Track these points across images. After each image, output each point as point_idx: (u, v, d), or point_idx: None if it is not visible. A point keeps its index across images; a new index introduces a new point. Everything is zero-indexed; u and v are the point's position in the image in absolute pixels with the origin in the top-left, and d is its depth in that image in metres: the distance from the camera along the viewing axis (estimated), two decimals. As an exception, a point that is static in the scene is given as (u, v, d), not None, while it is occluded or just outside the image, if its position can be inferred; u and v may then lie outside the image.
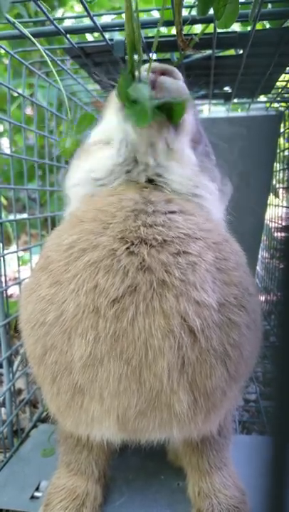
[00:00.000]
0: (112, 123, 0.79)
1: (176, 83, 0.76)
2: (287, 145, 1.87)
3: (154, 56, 0.96)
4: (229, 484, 0.89)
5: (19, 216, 1.35)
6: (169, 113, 0.74)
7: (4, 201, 2.54)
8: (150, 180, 0.78)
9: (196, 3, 0.79)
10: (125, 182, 0.78)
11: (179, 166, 0.78)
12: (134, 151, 0.76)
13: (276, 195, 2.02)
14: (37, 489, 0.99)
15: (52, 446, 1.12)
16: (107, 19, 1.42)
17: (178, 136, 0.77)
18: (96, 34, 1.54)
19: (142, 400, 0.64)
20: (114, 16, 1.65)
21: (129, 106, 0.71)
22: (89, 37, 1.73)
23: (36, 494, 0.97)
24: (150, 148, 0.75)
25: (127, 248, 0.66)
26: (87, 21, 1.05)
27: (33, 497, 0.96)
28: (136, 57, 0.74)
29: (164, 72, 0.77)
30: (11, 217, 1.29)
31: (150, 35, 1.16)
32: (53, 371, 0.68)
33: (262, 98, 1.80)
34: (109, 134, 0.80)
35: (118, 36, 1.14)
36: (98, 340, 0.63)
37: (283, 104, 1.81)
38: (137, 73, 0.74)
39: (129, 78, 0.73)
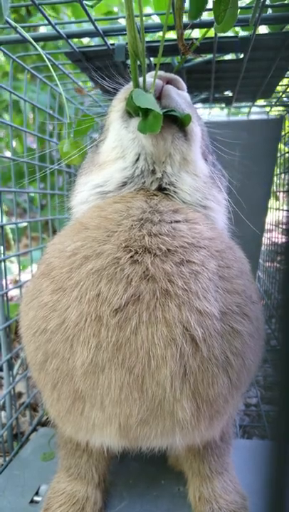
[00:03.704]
0: (121, 136, 0.78)
1: (181, 94, 0.77)
2: (287, 149, 1.87)
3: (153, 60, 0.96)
4: (230, 489, 0.88)
5: (20, 220, 1.35)
6: (176, 122, 0.75)
7: (5, 208, 2.54)
8: (161, 189, 0.78)
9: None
10: (135, 190, 0.78)
11: (191, 177, 0.79)
12: (153, 163, 0.76)
13: (276, 199, 2.03)
14: (36, 493, 0.98)
15: (52, 450, 1.12)
16: (103, 23, 1.42)
17: (190, 145, 0.78)
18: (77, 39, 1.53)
19: (144, 408, 0.64)
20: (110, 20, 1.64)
21: (143, 117, 0.71)
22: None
23: (36, 498, 0.96)
24: (169, 158, 0.76)
25: (131, 257, 0.66)
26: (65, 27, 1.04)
27: (32, 501, 0.96)
28: (140, 64, 0.74)
29: (169, 81, 0.77)
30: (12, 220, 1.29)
31: (149, 39, 1.17)
32: (53, 378, 0.68)
33: (262, 102, 1.80)
34: (121, 148, 0.79)
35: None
36: (100, 348, 0.63)
37: (283, 108, 1.82)
38: (141, 80, 0.74)
39: (136, 89, 0.73)
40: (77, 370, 0.65)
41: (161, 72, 0.77)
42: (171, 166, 0.77)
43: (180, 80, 0.79)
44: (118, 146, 0.79)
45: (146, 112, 0.70)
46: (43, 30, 1.45)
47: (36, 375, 0.74)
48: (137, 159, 0.77)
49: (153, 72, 0.74)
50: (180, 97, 0.77)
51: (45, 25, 1.10)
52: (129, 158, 0.77)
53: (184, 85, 0.80)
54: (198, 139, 0.81)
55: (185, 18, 0.84)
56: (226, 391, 0.68)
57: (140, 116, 0.72)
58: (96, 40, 1.57)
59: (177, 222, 0.71)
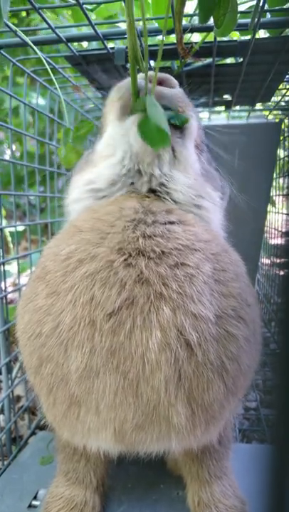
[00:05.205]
0: (114, 135, 0.78)
1: (172, 92, 0.77)
2: (286, 153, 1.87)
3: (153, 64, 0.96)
4: (229, 494, 0.87)
5: (19, 223, 1.35)
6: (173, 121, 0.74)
7: (4, 212, 2.55)
8: (152, 191, 0.77)
9: (197, 11, 0.80)
10: (126, 192, 0.77)
11: (183, 175, 0.77)
12: (138, 163, 0.75)
13: (273, 204, 2.03)
14: (35, 498, 0.97)
15: (50, 454, 1.11)
16: (102, 27, 1.42)
17: (184, 141, 0.77)
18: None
19: (139, 413, 0.63)
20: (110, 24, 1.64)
21: (144, 123, 0.69)
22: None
23: (34, 503, 0.96)
24: (156, 159, 0.75)
25: (125, 260, 0.65)
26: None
27: (30, 506, 0.95)
28: (140, 67, 0.74)
29: (160, 82, 0.77)
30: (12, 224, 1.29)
31: (149, 43, 1.17)
32: (49, 382, 0.68)
33: (261, 106, 1.81)
34: (113, 147, 0.78)
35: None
36: (94, 353, 0.63)
37: (278, 111, 1.82)
38: (141, 83, 0.73)
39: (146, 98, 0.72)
40: (72, 375, 0.64)
41: (151, 73, 0.76)
42: (160, 167, 0.75)
43: (170, 77, 0.78)
44: (111, 144, 0.79)
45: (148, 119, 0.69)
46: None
47: (32, 379, 0.73)
48: (125, 157, 0.76)
49: (144, 75, 0.74)
50: (173, 96, 0.76)
51: (45, 29, 1.10)
52: (118, 155, 0.77)
53: (175, 82, 0.79)
54: (193, 133, 0.80)
55: (184, 22, 0.85)
56: (222, 396, 0.67)
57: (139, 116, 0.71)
58: (93, 44, 1.57)
59: (171, 223, 0.71)
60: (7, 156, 2.28)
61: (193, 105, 0.84)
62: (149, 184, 0.76)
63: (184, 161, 0.78)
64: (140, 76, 0.75)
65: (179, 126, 0.76)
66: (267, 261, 2.32)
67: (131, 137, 0.73)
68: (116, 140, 0.77)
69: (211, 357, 0.64)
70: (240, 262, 0.79)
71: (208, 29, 0.95)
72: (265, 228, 2.05)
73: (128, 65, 1.13)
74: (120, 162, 0.76)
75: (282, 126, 1.79)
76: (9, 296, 1.23)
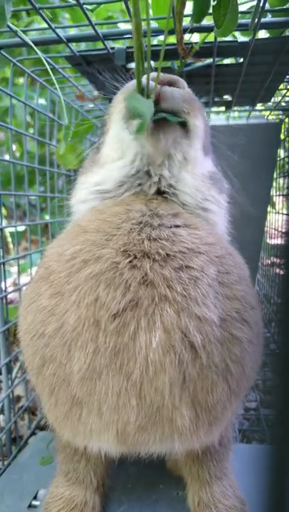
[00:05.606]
0: (122, 136, 0.76)
1: (181, 92, 0.76)
2: (286, 153, 1.88)
3: (153, 64, 0.96)
4: (229, 494, 0.88)
5: (20, 223, 1.35)
6: (180, 121, 0.74)
7: (4, 211, 2.55)
8: (160, 192, 0.77)
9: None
10: (134, 193, 0.77)
11: (191, 177, 0.77)
12: (148, 164, 0.75)
13: (273, 206, 2.04)
14: (35, 498, 0.97)
15: (50, 454, 1.11)
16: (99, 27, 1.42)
17: (191, 144, 0.77)
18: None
19: (142, 415, 0.63)
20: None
21: (133, 116, 0.70)
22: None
23: (34, 503, 0.96)
24: (167, 160, 0.75)
25: (130, 262, 0.65)
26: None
27: (30, 506, 0.95)
28: (142, 67, 0.74)
29: (169, 83, 0.76)
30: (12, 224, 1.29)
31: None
32: (51, 383, 0.68)
33: (261, 106, 1.81)
34: (121, 148, 0.77)
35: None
36: (98, 354, 0.63)
37: (278, 112, 1.82)
38: (144, 82, 0.73)
39: (135, 94, 0.72)
40: (74, 376, 0.64)
41: (160, 74, 0.76)
42: (170, 168, 0.75)
43: (179, 79, 0.78)
44: (119, 148, 0.78)
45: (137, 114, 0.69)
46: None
47: (34, 379, 0.73)
48: (136, 159, 0.75)
49: (152, 75, 0.74)
50: (179, 96, 0.75)
51: (45, 29, 1.10)
52: (128, 158, 0.76)
53: (184, 84, 0.78)
54: (200, 135, 0.79)
55: (184, 22, 0.85)
56: (225, 398, 0.67)
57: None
58: (82, 46, 1.56)
59: (177, 227, 0.71)
60: (7, 156, 2.28)
61: (201, 106, 0.84)
62: (157, 185, 0.76)
63: (191, 162, 0.77)
64: (146, 76, 0.75)
65: (185, 125, 0.75)
66: (267, 261, 2.32)
67: (143, 139, 0.72)
68: (124, 141, 0.76)
69: (216, 359, 0.64)
70: (243, 265, 0.79)
71: (209, 29, 0.95)
72: (265, 228, 2.06)
73: (128, 65, 1.13)
74: (131, 163, 0.76)
75: (283, 127, 1.79)
76: (9, 296, 1.23)
